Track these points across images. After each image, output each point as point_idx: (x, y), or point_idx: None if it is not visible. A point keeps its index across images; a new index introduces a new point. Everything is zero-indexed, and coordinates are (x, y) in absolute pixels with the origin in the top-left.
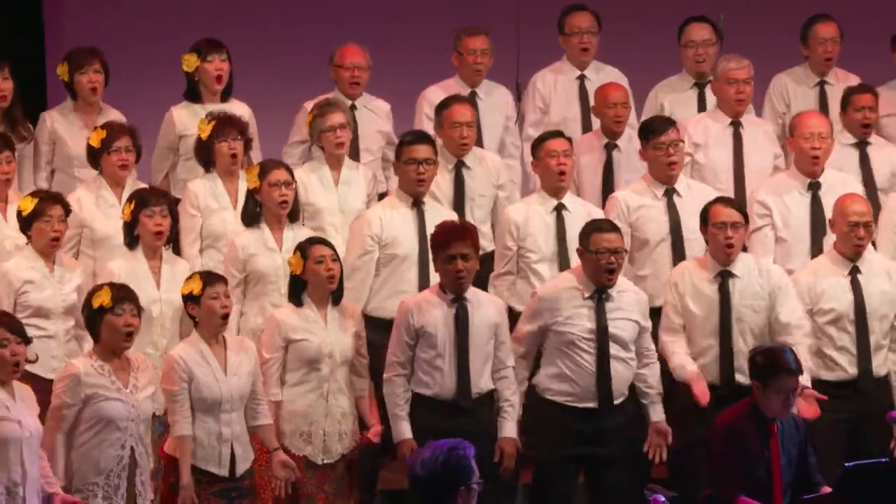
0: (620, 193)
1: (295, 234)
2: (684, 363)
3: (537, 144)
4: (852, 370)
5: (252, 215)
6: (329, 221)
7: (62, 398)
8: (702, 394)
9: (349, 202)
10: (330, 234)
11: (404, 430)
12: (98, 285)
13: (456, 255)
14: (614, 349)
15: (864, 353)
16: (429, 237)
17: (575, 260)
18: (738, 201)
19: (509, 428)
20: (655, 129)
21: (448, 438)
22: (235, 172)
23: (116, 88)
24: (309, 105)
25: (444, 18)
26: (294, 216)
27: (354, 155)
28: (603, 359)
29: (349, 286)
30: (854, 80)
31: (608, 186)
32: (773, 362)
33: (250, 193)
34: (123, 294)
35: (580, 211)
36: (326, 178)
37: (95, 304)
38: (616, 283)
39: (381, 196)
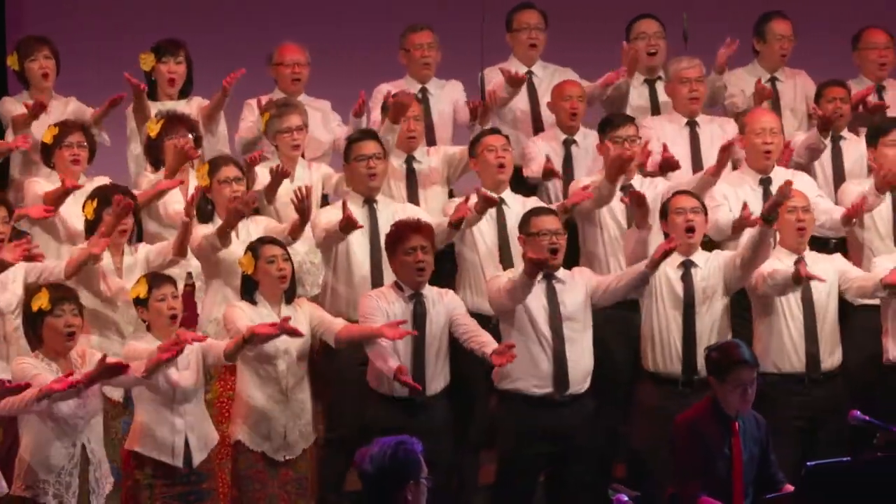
0: (581, 183)
1: (250, 228)
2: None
3: (475, 142)
4: (800, 362)
5: (205, 213)
6: (286, 216)
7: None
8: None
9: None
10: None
11: (395, 362)
12: (36, 287)
13: (416, 247)
14: (569, 331)
15: (812, 344)
16: (381, 236)
17: (517, 252)
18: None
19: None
20: (613, 124)
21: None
22: (185, 170)
23: (75, 80)
24: (252, 102)
25: (403, 16)
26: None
27: None
28: (558, 342)
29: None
30: (802, 77)
31: (567, 182)
32: (728, 356)
33: (201, 192)
34: (62, 294)
35: (519, 206)
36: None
37: (34, 307)
38: (560, 263)
39: (324, 198)
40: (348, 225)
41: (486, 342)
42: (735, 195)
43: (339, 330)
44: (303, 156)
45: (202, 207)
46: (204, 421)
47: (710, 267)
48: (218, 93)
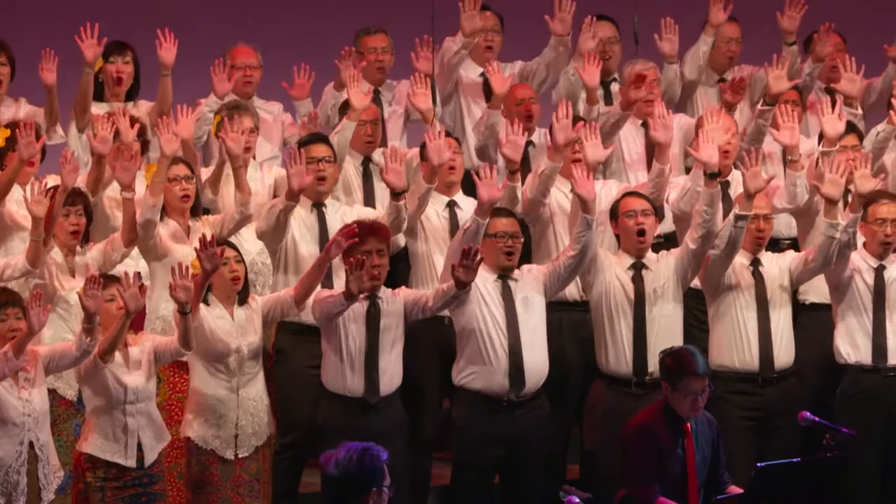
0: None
1: (201, 227)
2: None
3: (425, 144)
4: (754, 361)
5: None
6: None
7: None
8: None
9: (256, 200)
10: (240, 231)
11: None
12: None
13: (371, 251)
14: (524, 330)
15: (766, 342)
16: (330, 238)
17: None
18: (646, 195)
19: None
20: None
21: (358, 436)
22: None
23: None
24: (202, 102)
25: (356, 18)
26: (196, 210)
27: None
28: (514, 342)
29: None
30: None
31: (524, 183)
32: (681, 365)
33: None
34: (5, 299)
35: (471, 208)
36: (231, 179)
37: None
38: (515, 264)
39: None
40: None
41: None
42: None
43: (294, 293)
44: (254, 157)
45: None
46: (156, 420)
47: (661, 267)
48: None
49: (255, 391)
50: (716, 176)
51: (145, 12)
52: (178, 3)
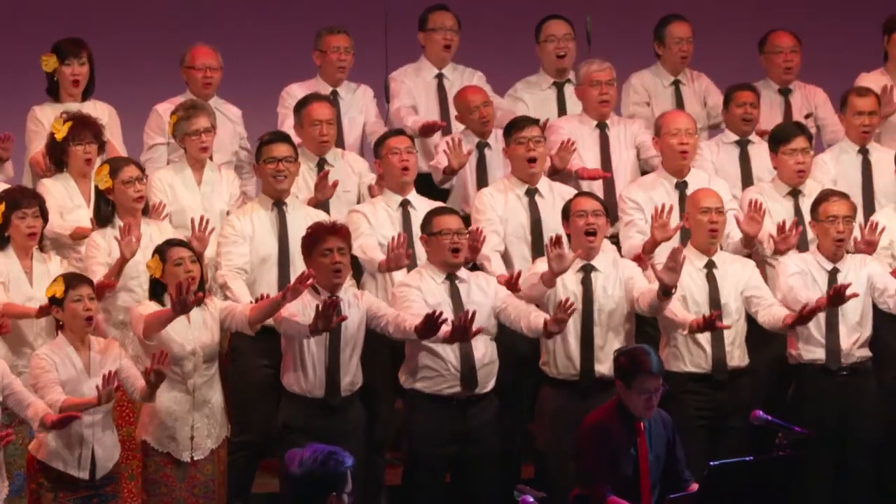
0: (487, 190)
1: (150, 230)
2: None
3: (379, 143)
4: (707, 363)
5: (105, 216)
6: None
7: None
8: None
9: (213, 202)
10: (196, 233)
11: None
12: None
13: (332, 248)
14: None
15: (719, 345)
16: (290, 238)
17: (423, 254)
18: (599, 197)
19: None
20: (517, 125)
21: (319, 437)
22: (88, 174)
23: None
24: (160, 108)
25: (309, 19)
26: (145, 210)
27: None
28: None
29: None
30: (705, 80)
31: (481, 185)
32: (635, 364)
33: (101, 194)
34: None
35: (425, 208)
36: (189, 180)
37: None
38: (462, 262)
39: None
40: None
41: (409, 321)
42: (650, 200)
43: (249, 316)
44: (210, 158)
45: (103, 210)
46: (111, 433)
47: (613, 278)
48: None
49: (211, 394)
50: (669, 294)
51: (102, 10)
52: (137, 3)
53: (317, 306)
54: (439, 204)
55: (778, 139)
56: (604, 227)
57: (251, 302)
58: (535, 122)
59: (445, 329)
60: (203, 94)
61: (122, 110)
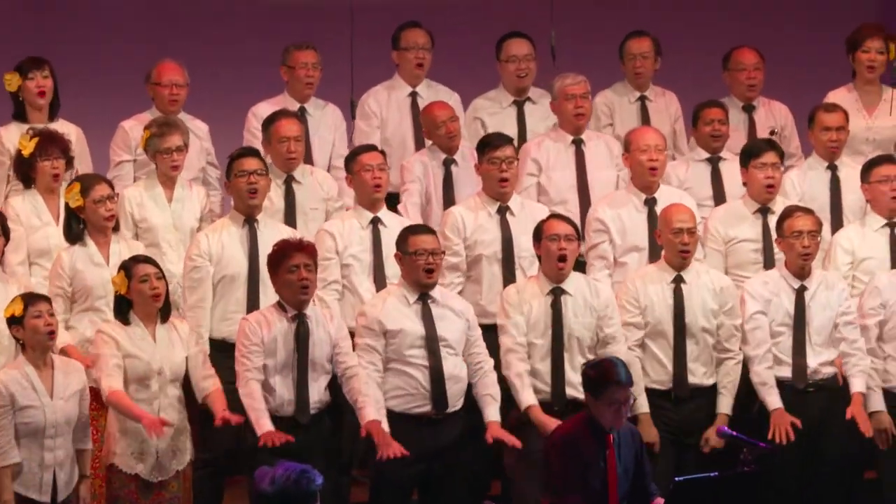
0: (456, 209)
1: (121, 249)
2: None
3: (351, 159)
4: (669, 380)
5: (76, 234)
6: (164, 238)
7: None
8: (547, 422)
9: (183, 219)
10: (165, 251)
11: (267, 423)
12: None
13: (299, 265)
14: (445, 351)
15: (680, 362)
16: (261, 256)
17: (392, 272)
18: (571, 219)
19: (367, 414)
20: (491, 145)
21: (288, 455)
22: (56, 190)
23: None
24: (126, 124)
25: (276, 35)
26: (116, 227)
27: None
28: (435, 361)
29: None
30: (671, 96)
31: (448, 202)
32: (604, 375)
33: (71, 211)
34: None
35: (396, 225)
36: (160, 197)
37: None
38: (436, 282)
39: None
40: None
41: (365, 404)
42: (618, 218)
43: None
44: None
45: (73, 228)
46: (72, 458)
47: (585, 304)
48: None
49: (177, 414)
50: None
51: (65, 26)
52: (101, 20)
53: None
54: (411, 221)
55: (748, 153)
56: (575, 251)
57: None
58: (509, 140)
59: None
60: (169, 111)
61: (86, 126)
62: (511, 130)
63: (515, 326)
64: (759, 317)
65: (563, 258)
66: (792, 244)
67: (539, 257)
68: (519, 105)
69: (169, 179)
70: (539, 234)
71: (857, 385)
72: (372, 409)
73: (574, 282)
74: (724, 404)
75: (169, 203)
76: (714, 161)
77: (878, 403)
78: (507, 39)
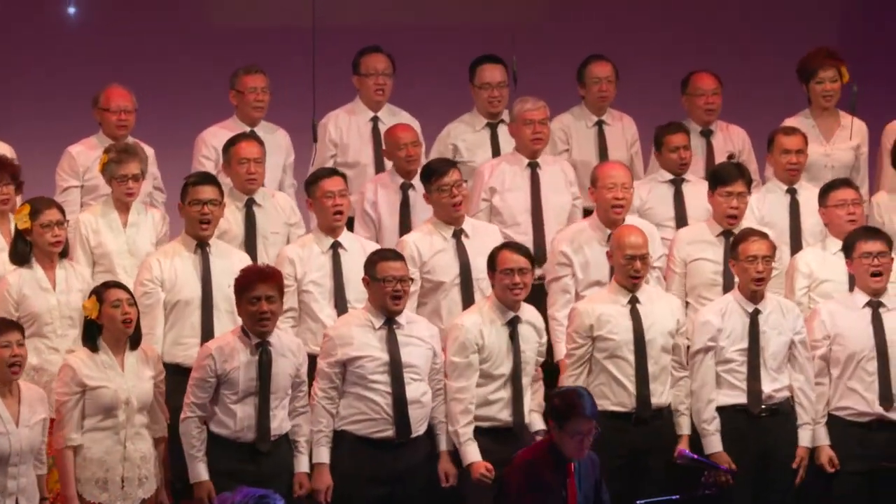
0: (411, 237)
1: (67, 273)
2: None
3: (312, 183)
4: (630, 401)
5: (22, 255)
6: (119, 264)
7: None
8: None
9: (138, 244)
10: (121, 276)
11: (201, 472)
12: None
13: (260, 297)
14: (409, 377)
15: (642, 383)
16: (214, 280)
17: (353, 296)
18: (525, 246)
19: (303, 462)
20: (437, 172)
21: (248, 482)
22: (5, 213)
23: None
24: (73, 150)
25: (236, 59)
26: (64, 253)
27: None
28: (398, 387)
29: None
30: (628, 121)
31: (405, 226)
32: (569, 406)
33: (19, 233)
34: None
35: (357, 249)
36: (115, 222)
37: None
38: (403, 309)
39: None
40: None
41: (300, 444)
42: (582, 253)
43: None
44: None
45: (20, 250)
46: (34, 484)
47: (534, 337)
48: None
49: (143, 444)
50: None
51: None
52: (47, 46)
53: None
54: (373, 247)
55: (717, 179)
56: (529, 282)
57: None
58: (453, 164)
59: None
60: (117, 137)
61: (29, 151)
62: (485, 153)
63: (470, 367)
64: (707, 362)
65: (517, 292)
66: (746, 268)
67: (493, 285)
68: (492, 127)
69: (124, 205)
70: (493, 263)
71: (803, 439)
72: (304, 458)
73: (528, 309)
74: (684, 425)
75: (124, 228)
76: (677, 182)
77: (820, 438)
78: (481, 64)
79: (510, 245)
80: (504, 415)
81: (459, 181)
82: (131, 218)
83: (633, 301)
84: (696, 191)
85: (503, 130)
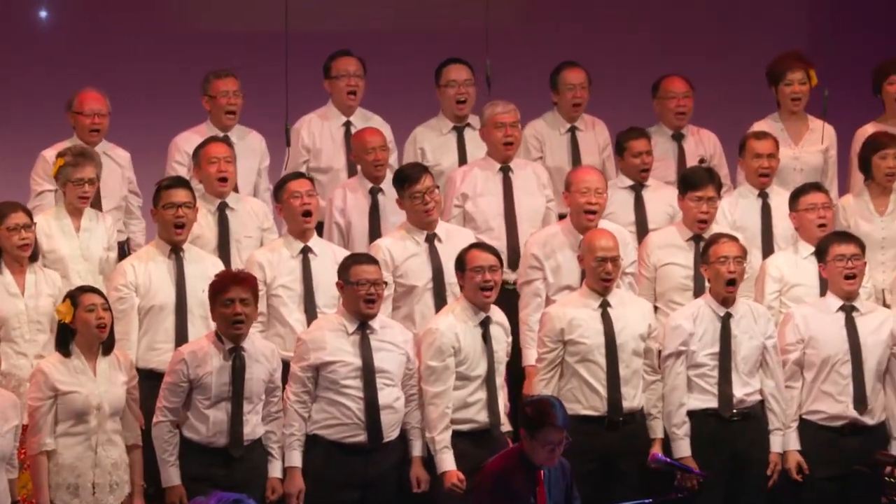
0: (384, 242)
1: (37, 278)
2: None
3: (279, 187)
4: (602, 405)
5: None
6: (73, 269)
7: None
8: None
9: (91, 249)
10: (75, 281)
11: (173, 476)
12: None
13: (234, 299)
14: (382, 382)
15: (613, 386)
16: (188, 285)
17: (322, 301)
18: (493, 246)
19: (276, 467)
20: (410, 178)
21: (222, 486)
22: None
23: None
24: (48, 154)
25: (209, 63)
26: (34, 257)
27: (96, 203)
28: (371, 392)
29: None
30: (601, 126)
31: (375, 231)
32: (541, 415)
33: None
34: None
35: (327, 253)
36: (68, 226)
37: None
38: (377, 313)
39: (121, 245)
40: None
41: (274, 450)
42: (553, 257)
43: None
44: (98, 206)
45: None
46: (6, 489)
47: (503, 337)
48: None
49: (114, 450)
50: None
51: None
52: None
53: None
54: (343, 253)
55: (687, 183)
56: (499, 280)
57: None
58: (425, 169)
59: None
60: (90, 141)
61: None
62: (451, 157)
63: (447, 370)
64: (679, 372)
65: (488, 290)
66: (717, 270)
67: (461, 286)
68: (459, 131)
69: (76, 209)
70: (462, 263)
71: (775, 444)
72: (277, 464)
73: (494, 310)
74: (657, 429)
75: (77, 233)
76: (637, 188)
77: (791, 443)
78: (446, 65)
79: (478, 245)
80: (482, 416)
81: (432, 187)
82: (84, 223)
83: (605, 305)
84: (658, 196)
85: (470, 134)
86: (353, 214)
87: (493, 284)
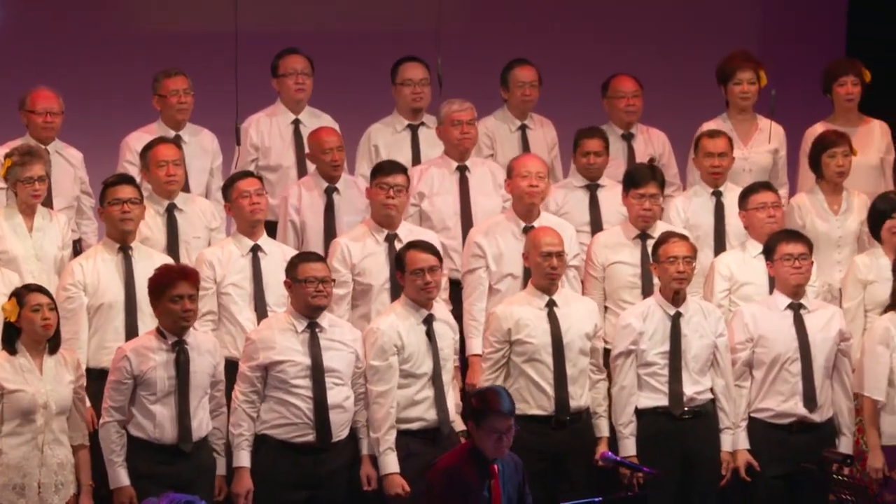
0: (343, 239)
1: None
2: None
3: (228, 186)
4: (550, 405)
5: None
6: (26, 269)
7: None
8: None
9: (45, 249)
10: (28, 281)
11: (121, 477)
12: None
13: (183, 295)
14: (331, 381)
15: (560, 386)
16: (137, 283)
17: (273, 300)
18: (430, 243)
19: (220, 465)
20: (384, 171)
21: (170, 484)
22: None
23: None
24: None
25: (158, 62)
26: None
27: (47, 202)
28: (320, 392)
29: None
30: (549, 125)
31: (329, 230)
32: (486, 404)
33: None
34: None
35: (276, 253)
36: (20, 226)
37: None
38: (327, 304)
39: (76, 244)
40: None
41: (217, 447)
42: (496, 245)
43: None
44: (49, 204)
45: None
46: None
47: (449, 334)
48: None
49: (60, 450)
50: None
51: None
52: None
53: None
54: (292, 252)
55: (630, 181)
56: (440, 279)
57: None
58: (403, 169)
59: None
60: (44, 139)
61: None
62: (405, 155)
63: (390, 369)
64: (622, 359)
65: (429, 290)
66: (667, 269)
67: (402, 286)
68: (413, 129)
69: (29, 208)
70: (402, 264)
71: (725, 443)
72: (222, 461)
73: (438, 306)
74: (604, 427)
75: (30, 233)
76: (592, 188)
77: (740, 442)
78: (402, 63)
79: (416, 244)
80: (430, 414)
81: (401, 187)
82: (37, 222)
83: (551, 304)
84: (612, 196)
85: (424, 133)
86: (307, 213)
87: (434, 285)
